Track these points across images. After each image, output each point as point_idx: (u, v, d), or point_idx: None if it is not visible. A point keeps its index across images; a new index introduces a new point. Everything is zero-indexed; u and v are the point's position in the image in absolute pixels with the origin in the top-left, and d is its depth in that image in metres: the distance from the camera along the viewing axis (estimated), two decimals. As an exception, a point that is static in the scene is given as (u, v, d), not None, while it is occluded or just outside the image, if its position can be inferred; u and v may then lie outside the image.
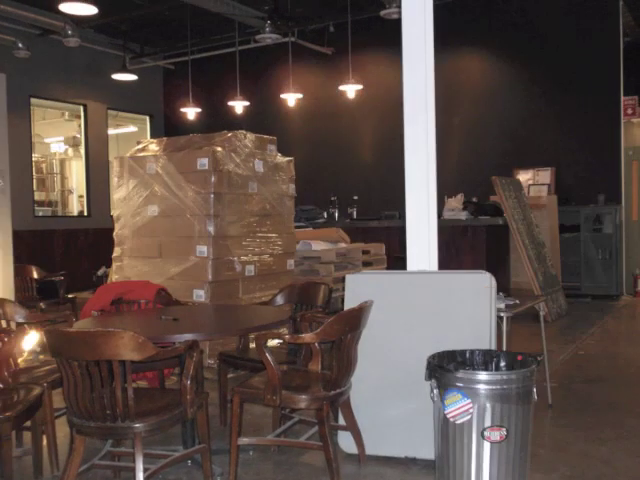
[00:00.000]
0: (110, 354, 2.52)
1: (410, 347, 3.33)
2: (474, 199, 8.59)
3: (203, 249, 5.32)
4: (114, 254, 5.91)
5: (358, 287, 3.51)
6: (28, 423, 3.15)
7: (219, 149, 5.41)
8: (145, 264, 5.64)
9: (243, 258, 5.58)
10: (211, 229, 5.32)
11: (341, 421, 3.40)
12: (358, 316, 3.02)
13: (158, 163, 5.57)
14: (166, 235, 5.54)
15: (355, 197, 10.38)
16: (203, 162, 5.33)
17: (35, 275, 7.08)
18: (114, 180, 5.96)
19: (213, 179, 5.31)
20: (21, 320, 3.74)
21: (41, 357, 4.54)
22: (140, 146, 6.06)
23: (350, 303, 3.40)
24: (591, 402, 4.37)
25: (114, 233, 5.93)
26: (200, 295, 5.28)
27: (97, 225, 11.19)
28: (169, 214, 5.51)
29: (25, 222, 9.98)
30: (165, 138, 6.12)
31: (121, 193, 5.84)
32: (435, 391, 2.72)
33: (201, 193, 5.34)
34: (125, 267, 5.79)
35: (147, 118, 12.80)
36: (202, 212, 5.33)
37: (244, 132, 5.86)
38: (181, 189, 5.44)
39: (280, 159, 6.15)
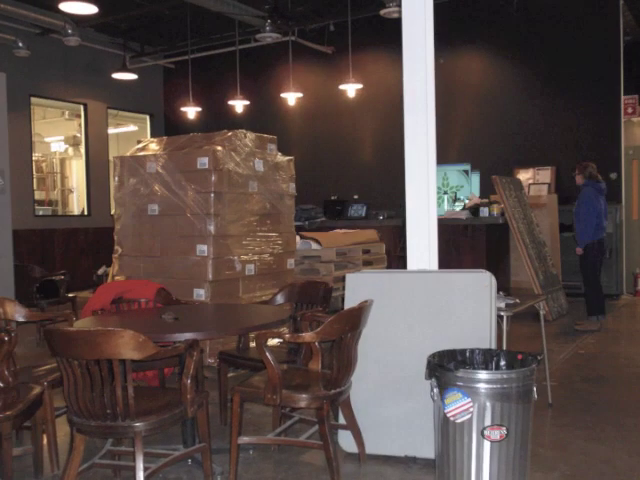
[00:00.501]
0: (110, 353, 2.53)
1: (410, 346, 3.33)
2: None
3: (203, 248, 5.32)
4: (114, 253, 5.91)
5: (358, 286, 3.51)
6: (28, 422, 3.15)
7: (219, 148, 5.39)
8: (145, 263, 5.65)
9: (243, 257, 5.59)
10: (211, 228, 5.32)
11: (341, 420, 3.40)
12: (358, 315, 3.02)
13: (158, 162, 5.56)
14: (166, 234, 5.54)
15: (355, 196, 10.39)
16: (203, 161, 5.32)
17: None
18: (114, 179, 5.95)
19: (213, 178, 5.31)
20: (21, 319, 3.74)
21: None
22: (140, 145, 6.06)
23: (350, 302, 3.40)
24: (591, 401, 4.37)
25: (114, 232, 5.93)
26: (200, 294, 5.27)
27: (97, 224, 11.20)
28: (169, 213, 5.51)
29: (25, 221, 9.98)
30: (165, 137, 6.12)
31: (121, 192, 5.83)
32: (435, 390, 2.73)
33: (201, 192, 5.34)
34: (125, 266, 5.79)
35: (147, 117, 12.81)
36: (202, 211, 5.33)
37: (244, 131, 5.86)
38: (181, 188, 5.43)
39: (280, 158, 6.14)
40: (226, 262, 5.43)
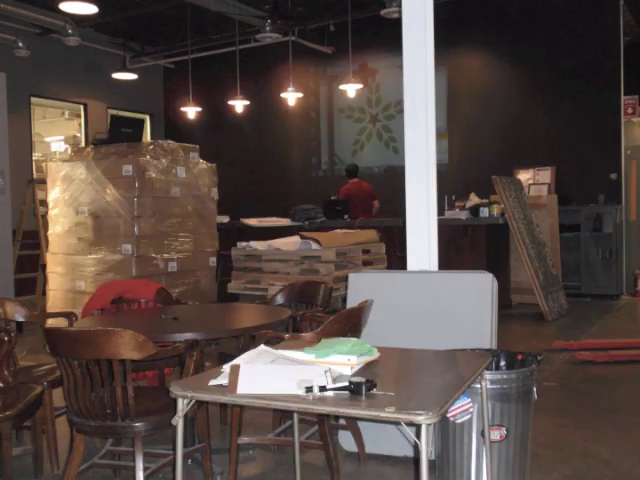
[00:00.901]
0: (110, 353, 2.52)
1: (410, 346, 3.32)
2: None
3: (128, 247, 5.99)
4: (48, 251, 6.67)
5: (361, 286, 3.51)
6: (28, 422, 3.15)
7: (143, 157, 6.05)
8: (75, 261, 6.31)
9: (165, 255, 6.25)
10: (135, 229, 5.98)
11: (341, 420, 3.40)
12: (358, 315, 3.02)
13: (88, 169, 6.23)
14: (95, 234, 6.19)
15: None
16: (128, 169, 5.98)
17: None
18: (48, 183, 6.62)
19: (137, 184, 5.96)
20: (21, 319, 3.74)
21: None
22: (71, 151, 6.67)
23: (352, 302, 3.40)
24: (591, 402, 4.37)
25: (48, 233, 6.64)
26: None
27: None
28: (98, 215, 6.16)
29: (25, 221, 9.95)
30: (92, 146, 6.71)
31: (53, 195, 6.52)
32: (435, 390, 2.72)
33: (126, 197, 5.99)
34: (56, 264, 6.51)
35: (147, 117, 12.79)
36: (127, 214, 5.99)
37: (168, 141, 6.53)
38: (108, 193, 6.07)
39: (203, 165, 6.75)
40: (149, 260, 6.10)
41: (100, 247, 6.15)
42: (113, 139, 6.56)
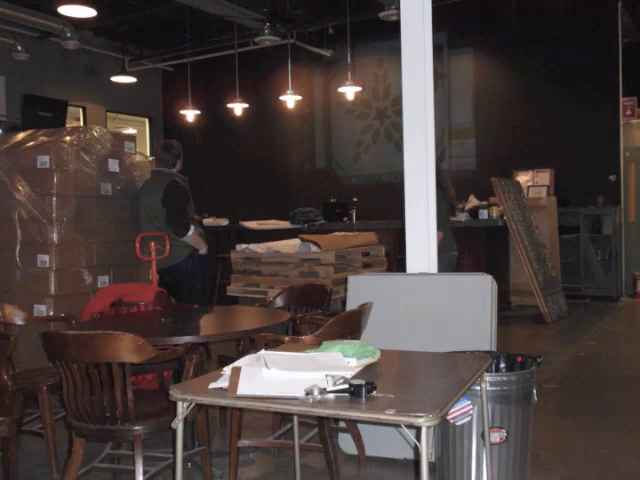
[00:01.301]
0: (109, 356, 2.52)
1: (410, 349, 3.32)
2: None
3: (44, 258, 4.67)
4: None
5: (360, 288, 3.51)
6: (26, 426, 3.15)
7: (64, 146, 4.76)
8: None
9: (95, 268, 4.92)
10: (54, 236, 4.66)
11: (341, 422, 3.39)
12: (357, 318, 3.01)
13: None
14: (1, 242, 4.87)
15: (355, 199, 10.37)
16: (44, 160, 4.70)
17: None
18: None
19: (55, 179, 4.68)
20: (20, 322, 3.73)
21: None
22: None
23: (352, 304, 3.40)
24: (591, 403, 4.37)
25: None
26: (41, 311, 4.64)
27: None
28: (5, 219, 4.83)
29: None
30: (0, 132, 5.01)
31: None
32: (435, 393, 2.72)
33: (42, 195, 4.71)
34: None
35: (146, 120, 12.80)
36: (43, 216, 4.70)
37: (98, 127, 5.21)
38: (19, 190, 4.81)
39: (139, 158, 5.47)
40: (73, 274, 4.77)
41: (9, 258, 4.79)
42: (26, 124, 5.22)
